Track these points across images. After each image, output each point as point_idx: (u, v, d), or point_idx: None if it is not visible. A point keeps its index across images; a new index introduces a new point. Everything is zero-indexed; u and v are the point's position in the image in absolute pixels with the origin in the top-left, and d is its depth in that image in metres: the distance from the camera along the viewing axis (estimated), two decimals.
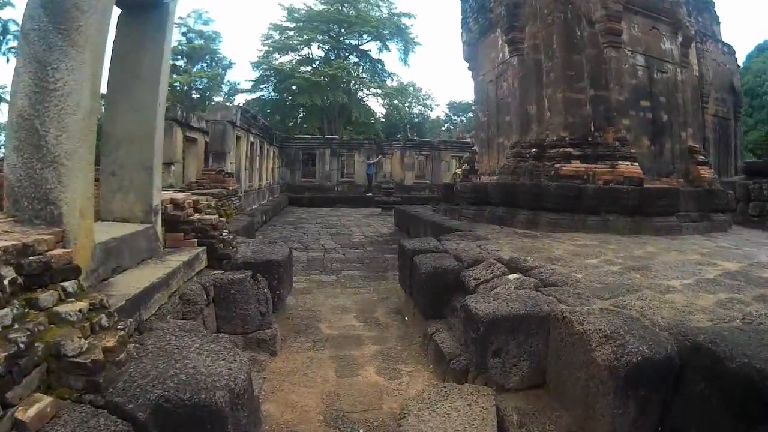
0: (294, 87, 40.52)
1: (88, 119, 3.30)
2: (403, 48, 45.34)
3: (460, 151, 31.04)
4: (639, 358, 2.82)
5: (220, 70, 47.90)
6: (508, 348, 3.67)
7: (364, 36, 44.27)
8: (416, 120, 56.67)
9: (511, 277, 5.04)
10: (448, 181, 21.20)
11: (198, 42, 45.85)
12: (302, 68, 42.16)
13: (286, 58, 43.87)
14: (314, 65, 43.10)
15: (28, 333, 2.17)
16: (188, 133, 15.61)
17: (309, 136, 34.95)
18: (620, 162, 9.21)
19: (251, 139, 19.98)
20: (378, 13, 43.82)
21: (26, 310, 2.33)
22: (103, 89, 4.82)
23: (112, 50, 4.79)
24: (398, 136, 37.90)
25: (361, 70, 46.24)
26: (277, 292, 5.71)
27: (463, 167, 14.52)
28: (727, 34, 19.38)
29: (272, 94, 43.96)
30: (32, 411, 2.02)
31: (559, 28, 9.81)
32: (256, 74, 43.65)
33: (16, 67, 3.15)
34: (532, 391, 3.70)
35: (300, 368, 4.77)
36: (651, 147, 10.47)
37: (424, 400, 3.23)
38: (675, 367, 2.96)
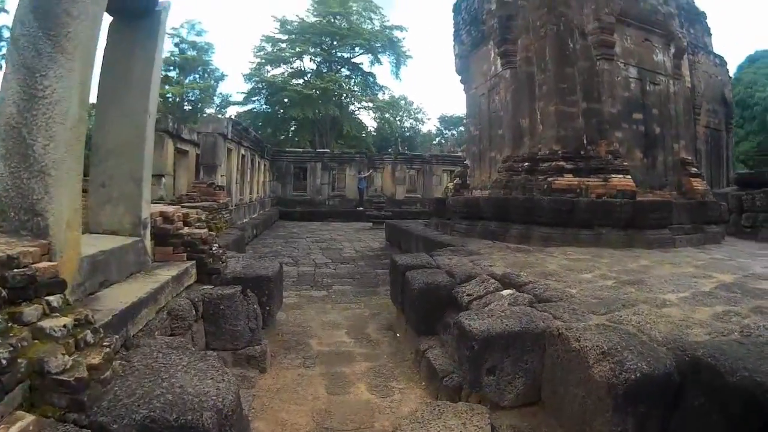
0: (286, 100, 40.70)
1: (77, 128, 3.23)
2: (394, 61, 45.71)
3: (452, 165, 31.11)
4: (638, 375, 2.76)
5: (213, 81, 48.00)
6: (503, 365, 3.59)
7: (356, 49, 44.51)
8: (407, 134, 56.91)
9: (505, 292, 4.97)
10: (439, 195, 21.23)
11: (191, 53, 46.02)
12: (294, 81, 42.41)
13: (278, 71, 44.14)
14: (306, 78, 43.32)
15: (11, 349, 2.09)
16: (179, 145, 15.53)
17: (300, 150, 35.06)
18: (613, 175, 9.20)
19: (242, 151, 19.94)
20: (370, 26, 44.19)
21: (9, 325, 2.25)
22: (93, 98, 4.79)
23: (103, 58, 4.73)
24: (389, 150, 38.03)
25: (352, 83, 46.43)
26: (267, 308, 5.62)
27: (454, 181, 14.49)
28: (718, 46, 19.60)
29: (264, 106, 44.05)
30: (14, 429, 1.94)
31: (552, 40, 9.82)
32: (248, 86, 43.89)
33: (5, 73, 3.09)
34: (528, 408, 3.63)
35: (290, 385, 4.69)
36: (644, 159, 10.48)
37: (417, 419, 3.16)
38: (674, 383, 2.90)
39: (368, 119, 48.87)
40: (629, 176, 9.39)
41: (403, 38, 45.18)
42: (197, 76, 47.13)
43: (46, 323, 2.38)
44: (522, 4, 10.59)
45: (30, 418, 2.05)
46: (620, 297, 4.67)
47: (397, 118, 53.15)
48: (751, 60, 37.84)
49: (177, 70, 45.62)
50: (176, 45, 45.56)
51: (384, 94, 48.33)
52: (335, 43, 43.26)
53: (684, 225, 9.73)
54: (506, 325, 3.69)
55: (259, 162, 24.36)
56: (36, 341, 2.30)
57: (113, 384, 2.42)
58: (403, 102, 54.66)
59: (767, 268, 6.52)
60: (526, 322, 3.76)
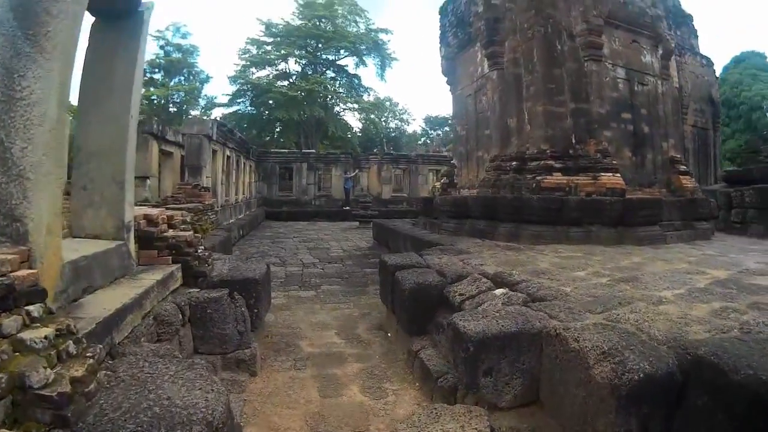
0: (271, 101, 40.71)
1: (56, 130, 3.11)
2: (379, 63, 45.89)
3: (438, 165, 31.24)
4: (641, 376, 2.71)
5: (198, 83, 47.72)
6: (500, 367, 3.53)
7: (341, 51, 44.60)
8: (393, 134, 56.97)
9: (498, 292, 4.91)
10: (425, 194, 21.22)
11: (176, 55, 45.77)
12: (279, 83, 42.47)
13: (263, 73, 44.15)
14: (291, 80, 43.31)
15: None
16: (164, 147, 15.39)
17: (286, 150, 35.03)
18: (602, 173, 9.22)
19: (228, 153, 19.79)
20: (355, 29, 44.26)
21: None
22: (75, 100, 4.68)
23: (84, 59, 4.62)
24: (375, 150, 37.96)
25: (337, 85, 46.53)
26: (255, 310, 5.50)
27: (441, 181, 14.45)
28: (704, 47, 19.83)
29: (249, 108, 43.97)
30: None
31: (540, 42, 9.82)
32: (233, 88, 43.83)
33: None
34: (526, 408, 3.57)
35: (282, 389, 4.60)
36: (633, 158, 10.52)
37: (414, 423, 3.07)
38: (677, 382, 2.85)
39: (353, 120, 49.08)
40: (618, 174, 9.41)
41: (389, 41, 45.43)
42: (182, 78, 46.88)
43: (26, 335, 2.27)
44: (509, 6, 10.59)
45: None
46: (616, 295, 4.61)
47: (382, 119, 53.30)
48: (737, 61, 38.58)
49: (162, 72, 45.44)
50: (161, 47, 45.38)
51: (369, 95, 48.54)
52: (320, 45, 43.27)
53: (674, 222, 9.76)
54: (502, 325, 3.63)
55: (244, 163, 24.22)
56: (17, 354, 2.19)
57: (98, 397, 2.31)
58: (388, 103, 54.91)
59: (760, 264, 6.53)
60: (522, 322, 3.69)
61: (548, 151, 9.58)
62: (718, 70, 22.66)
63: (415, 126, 68.06)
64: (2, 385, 2.02)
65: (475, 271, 5.78)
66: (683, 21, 16.21)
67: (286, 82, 42.85)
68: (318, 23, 42.43)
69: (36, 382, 2.10)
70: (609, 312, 3.99)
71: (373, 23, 45.76)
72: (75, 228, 4.53)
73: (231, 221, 17.88)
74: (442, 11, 14.08)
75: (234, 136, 20.82)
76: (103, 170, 4.53)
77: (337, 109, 45.88)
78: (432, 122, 63.00)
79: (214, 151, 17.42)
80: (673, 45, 11.46)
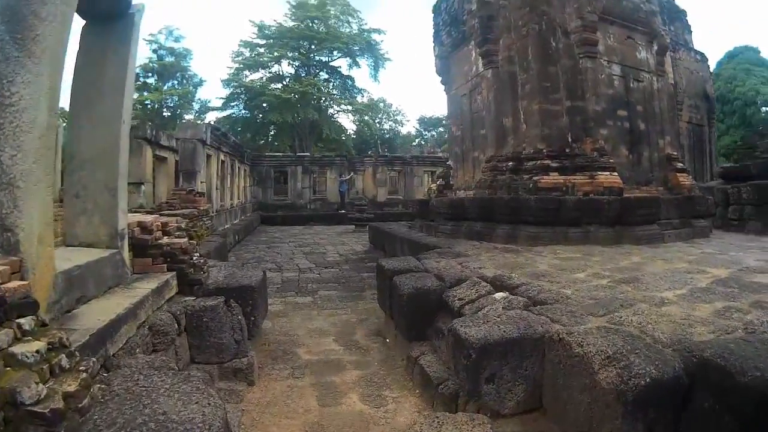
0: (264, 104, 40.71)
1: (46, 137, 3.04)
2: (373, 64, 45.94)
3: (433, 166, 31.24)
4: (647, 380, 2.66)
5: (191, 87, 47.83)
6: (502, 373, 3.47)
7: (335, 52, 44.69)
8: (387, 136, 56.97)
9: (498, 296, 4.86)
10: (421, 196, 21.18)
11: (169, 59, 45.91)
12: (273, 85, 42.44)
13: (256, 76, 44.17)
14: (285, 82, 43.34)
15: None
16: (158, 152, 15.29)
17: (280, 154, 34.97)
18: (599, 172, 9.19)
19: (222, 157, 19.70)
20: (348, 30, 44.30)
21: None
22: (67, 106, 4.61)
23: (75, 64, 4.54)
24: (370, 152, 38.00)
25: (331, 87, 46.58)
26: (252, 318, 5.45)
27: (437, 182, 14.40)
28: (698, 43, 19.97)
29: (243, 111, 44.01)
30: None
31: (534, 39, 9.77)
32: (226, 92, 43.79)
33: None
34: (529, 415, 3.52)
35: (280, 398, 4.53)
36: (629, 156, 10.50)
37: None
38: (683, 385, 2.81)
39: (347, 122, 49.01)
40: (616, 173, 9.38)
41: (382, 41, 45.50)
42: (176, 82, 47.00)
43: (17, 348, 2.20)
44: (503, 3, 10.54)
45: None
46: (617, 297, 4.57)
47: (376, 121, 53.33)
48: (730, 56, 38.65)
49: (155, 77, 45.55)
50: (154, 51, 45.56)
51: (363, 96, 48.63)
52: (313, 47, 43.30)
53: (672, 220, 9.75)
54: (504, 331, 3.57)
55: (239, 167, 24.14)
56: (8, 369, 2.12)
57: (92, 412, 2.23)
58: (381, 104, 54.94)
59: (760, 261, 6.50)
60: (524, 327, 3.64)
61: (545, 151, 9.54)
62: (712, 66, 22.74)
63: (409, 127, 68.00)
64: None
65: (474, 275, 5.73)
66: (677, 16, 16.29)
67: (279, 85, 42.83)
68: (311, 24, 42.46)
69: (28, 398, 2.03)
70: (611, 314, 3.95)
71: (366, 23, 45.98)
72: (68, 236, 4.45)
73: (226, 226, 17.81)
74: (436, 10, 14.03)
75: (228, 140, 20.75)
76: (96, 177, 4.45)
77: (331, 111, 45.92)
78: (426, 123, 63.04)
79: (209, 156, 17.34)
80: (668, 41, 11.47)
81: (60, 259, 3.50)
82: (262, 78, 43.85)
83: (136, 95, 40.70)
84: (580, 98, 9.70)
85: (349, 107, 46.41)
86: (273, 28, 42.48)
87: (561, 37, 9.77)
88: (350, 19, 44.55)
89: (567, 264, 6.54)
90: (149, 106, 43.03)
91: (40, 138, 2.98)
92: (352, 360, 5.59)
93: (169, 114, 44.57)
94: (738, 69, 36.41)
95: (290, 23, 42.50)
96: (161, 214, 8.16)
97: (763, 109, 35.38)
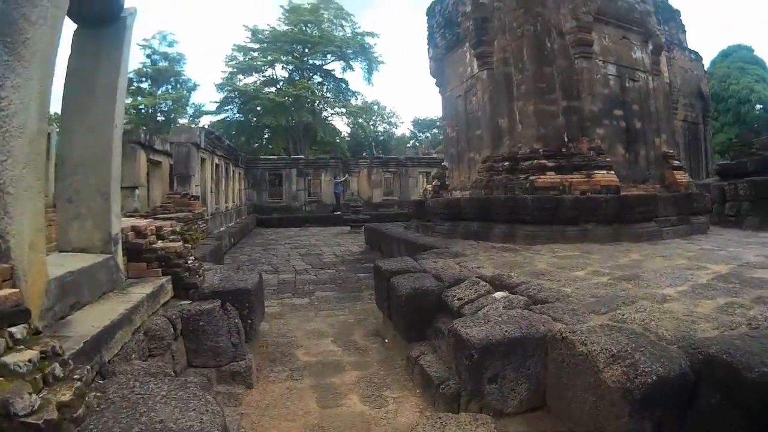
0: (258, 108, 40.68)
1: (36, 142, 2.98)
2: (366, 67, 45.98)
3: (428, 167, 31.27)
4: (654, 378, 2.63)
5: (185, 92, 47.82)
6: (505, 373, 3.43)
7: (328, 56, 44.76)
8: (381, 138, 57.13)
9: (498, 295, 4.82)
10: (416, 197, 21.15)
11: (162, 64, 46.00)
12: (266, 89, 42.51)
13: (250, 79, 44.18)
14: (278, 86, 43.36)
15: None
16: (152, 156, 15.23)
17: (275, 157, 34.99)
18: (596, 171, 9.18)
19: (216, 160, 19.64)
20: (341, 33, 44.36)
21: None
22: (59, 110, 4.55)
23: (67, 68, 4.49)
24: (364, 154, 37.98)
25: (325, 90, 46.63)
26: (249, 321, 5.39)
27: (433, 183, 14.37)
28: (692, 42, 20.10)
29: (237, 115, 43.99)
30: None
31: (529, 40, 9.77)
32: (220, 96, 43.84)
33: None
34: (532, 414, 3.48)
35: (279, 400, 4.47)
36: (626, 155, 10.51)
37: None
38: (690, 382, 2.79)
39: (342, 125, 49.04)
40: (612, 172, 9.39)
41: (375, 44, 45.37)
42: (169, 86, 47.01)
43: (9, 358, 2.14)
44: (497, 5, 10.54)
45: None
46: (618, 294, 4.54)
47: (370, 123, 53.45)
48: (724, 55, 38.85)
49: (149, 81, 45.62)
50: (148, 56, 45.62)
51: (357, 99, 48.70)
52: (307, 50, 43.33)
53: (670, 217, 9.76)
54: (505, 331, 3.53)
55: (233, 170, 24.08)
56: (0, 379, 2.06)
57: (88, 422, 2.17)
58: (376, 106, 55.14)
59: (759, 257, 6.50)
60: (526, 326, 3.60)
61: (541, 151, 9.53)
62: (706, 65, 22.84)
63: (403, 129, 68.28)
64: None
65: (472, 275, 5.70)
66: (671, 16, 16.37)
67: (273, 88, 42.84)
68: (304, 28, 42.42)
69: (21, 409, 1.96)
70: (613, 312, 3.91)
71: (359, 27, 45.92)
72: (61, 242, 4.40)
73: (222, 229, 17.74)
74: (429, 12, 14.00)
75: (222, 144, 20.70)
76: (89, 182, 4.40)
77: (325, 114, 45.89)
78: (420, 125, 63.23)
79: (203, 159, 17.28)
80: (663, 40, 11.51)
81: (53, 265, 3.45)
82: (255, 82, 43.90)
83: (129, 100, 40.80)
84: (576, 98, 9.70)
85: (343, 110, 46.37)
86: (266, 32, 42.50)
87: (556, 38, 9.76)
88: (343, 22, 44.61)
89: (566, 262, 6.51)
90: (143, 111, 43.04)
91: (30, 143, 2.92)
92: (351, 361, 5.54)
93: (164, 118, 44.59)
94: (732, 67, 36.65)
95: (284, 27, 42.49)
96: (156, 218, 8.10)
97: (758, 106, 35.64)
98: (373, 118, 55.28)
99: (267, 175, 31.38)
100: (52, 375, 2.24)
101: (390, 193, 32.77)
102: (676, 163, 11.28)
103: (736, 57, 37.67)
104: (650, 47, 11.11)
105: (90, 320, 3.31)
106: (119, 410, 2.31)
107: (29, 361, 2.16)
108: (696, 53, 19.21)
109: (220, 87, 43.04)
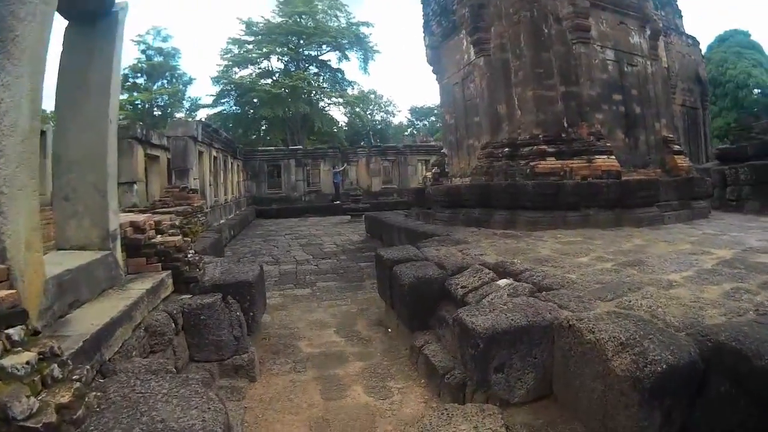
0: (255, 100, 40.62)
1: (29, 140, 2.92)
2: (362, 57, 45.80)
3: (426, 155, 31.19)
4: (664, 367, 2.59)
5: (181, 86, 47.90)
6: (512, 362, 3.40)
7: (323, 46, 44.51)
8: (379, 126, 57.06)
9: (502, 282, 4.79)
10: (416, 185, 21.09)
11: (157, 59, 45.97)
12: (262, 81, 42.40)
13: (246, 72, 44.00)
14: (274, 77, 43.21)
15: None
16: (150, 151, 15.14)
17: (273, 148, 34.97)
18: (597, 156, 9.12)
19: (214, 153, 19.56)
20: (336, 24, 44.12)
21: None
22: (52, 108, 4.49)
23: (59, 65, 4.43)
24: (362, 143, 37.88)
25: (321, 80, 46.42)
26: (251, 313, 5.35)
27: (432, 170, 14.29)
28: (688, 27, 20.04)
29: (234, 108, 43.80)
30: None
31: (526, 26, 9.70)
32: (216, 89, 43.50)
33: None
34: (539, 403, 3.45)
35: (283, 393, 4.45)
36: (626, 140, 10.45)
37: (426, 427, 2.94)
38: (699, 371, 2.75)
39: (339, 114, 48.94)
40: (613, 157, 9.33)
41: (370, 34, 45.32)
42: (165, 81, 47.04)
43: (7, 361, 2.10)
44: None
45: None
46: (624, 280, 4.50)
47: (367, 112, 53.36)
48: (721, 40, 38.64)
49: (144, 77, 45.60)
50: (142, 51, 45.55)
51: (353, 89, 48.51)
52: (302, 41, 43.09)
53: (671, 202, 9.69)
54: (512, 319, 3.49)
55: (231, 162, 24.00)
56: None
57: (88, 423, 2.13)
58: (372, 96, 55.13)
59: (762, 241, 6.46)
60: (532, 314, 3.56)
61: (540, 136, 9.46)
62: (703, 50, 22.78)
63: (400, 117, 68.06)
64: None
65: (475, 262, 5.66)
66: (667, 1, 16.32)
67: (269, 80, 42.68)
68: (298, 19, 42.13)
69: (19, 413, 1.93)
70: (620, 299, 3.88)
71: (354, 17, 45.71)
72: (59, 240, 4.36)
73: (221, 222, 17.68)
74: (425, 0, 13.88)
75: (220, 136, 20.61)
76: (85, 178, 4.35)
77: (322, 104, 45.65)
78: (417, 113, 63.16)
79: (201, 152, 17.20)
80: (660, 25, 11.43)
81: (51, 263, 3.41)
82: (251, 74, 43.69)
83: (126, 96, 40.79)
84: (574, 83, 9.62)
85: (340, 100, 46.19)
86: (261, 24, 42.21)
87: (553, 24, 9.67)
88: (338, 13, 44.32)
89: (569, 248, 6.47)
90: (140, 107, 43.08)
91: (22, 142, 2.87)
92: (355, 351, 5.53)
93: (160, 113, 44.51)
94: (729, 52, 36.45)
95: (278, 19, 42.20)
96: (154, 213, 8.07)
97: (755, 91, 35.41)
98: (370, 107, 55.27)
99: (265, 167, 31.33)
100: (50, 376, 2.20)
101: (389, 181, 32.69)
102: (676, 147, 11.21)
103: (733, 42, 37.47)
104: (648, 32, 11.02)
105: (89, 318, 3.27)
106: (120, 410, 2.27)
107: (27, 363, 2.12)
108: (693, 38, 19.16)
109: (216, 80, 42.84)
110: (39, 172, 3.21)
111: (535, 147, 9.37)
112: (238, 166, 26.28)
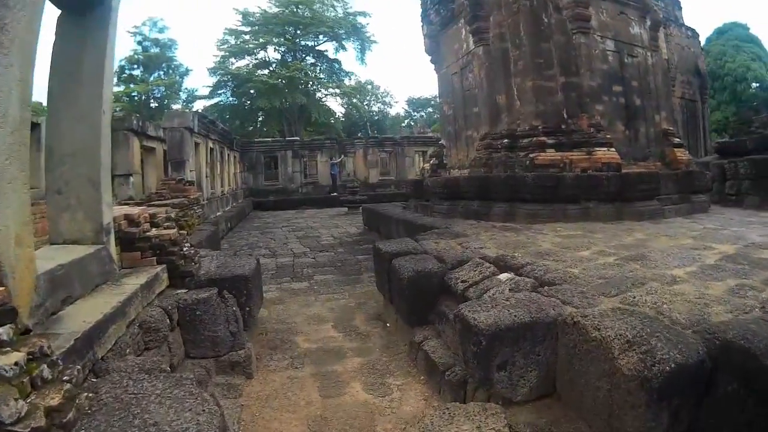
0: (252, 91, 40.58)
1: (19, 132, 2.83)
2: (359, 47, 45.87)
3: (424, 146, 31.14)
4: (672, 366, 2.51)
5: (177, 77, 47.87)
6: (515, 360, 3.32)
7: (320, 37, 44.47)
8: (376, 117, 57.00)
9: (503, 277, 4.72)
10: (413, 176, 21.06)
11: (154, 50, 46.12)
12: (259, 72, 42.41)
13: (242, 63, 44.00)
14: (271, 68, 43.20)
15: None
16: (146, 143, 15.04)
17: (270, 139, 34.90)
18: (596, 148, 9.06)
19: (210, 145, 19.45)
20: (333, 14, 44.07)
21: None
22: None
23: (52, 55, 4.31)
24: (359, 134, 37.83)
25: (318, 71, 46.43)
26: (247, 308, 5.25)
27: (430, 162, 14.22)
28: (687, 19, 19.97)
29: (230, 99, 43.83)
30: None
31: (526, 16, 9.61)
32: (213, 80, 43.60)
33: None
34: (542, 401, 3.37)
35: (280, 390, 4.38)
36: (626, 132, 10.39)
37: (427, 427, 2.86)
38: (707, 370, 2.68)
39: (336, 105, 48.94)
40: (613, 149, 9.28)
41: (367, 24, 45.17)
42: (162, 72, 47.07)
43: None
44: None
45: None
46: (627, 275, 4.43)
47: (364, 103, 53.33)
48: (720, 32, 38.60)
49: (141, 68, 45.66)
50: (139, 43, 45.69)
51: (350, 79, 48.56)
52: (299, 32, 43.00)
53: (671, 195, 9.65)
54: (515, 315, 3.40)
55: (228, 154, 23.89)
56: None
57: (78, 426, 2.05)
58: (369, 86, 55.17)
59: (764, 237, 6.41)
60: (536, 310, 3.47)
61: (540, 127, 9.39)
62: (702, 42, 22.73)
63: (398, 108, 68.01)
64: None
65: (475, 256, 5.58)
66: None
67: (266, 71, 42.64)
68: (295, 9, 41.95)
69: (7, 417, 1.84)
70: (624, 294, 3.81)
71: (351, 7, 45.65)
72: (52, 234, 4.26)
73: (218, 214, 17.61)
74: None
75: (216, 128, 20.49)
76: (78, 171, 4.25)
77: (318, 95, 45.60)
78: (415, 104, 63.07)
79: (197, 144, 17.10)
80: (660, 16, 11.36)
81: (43, 258, 3.33)
82: (248, 65, 43.66)
83: (122, 87, 40.76)
84: (574, 74, 9.55)
85: (337, 90, 46.18)
86: (257, 14, 42.09)
87: (553, 13, 9.58)
88: (335, 3, 44.26)
89: (570, 242, 6.41)
90: (136, 98, 43.00)
91: (12, 133, 2.77)
92: (353, 347, 5.46)
93: (157, 105, 44.55)
94: (727, 45, 36.45)
95: (274, 9, 42.05)
96: (150, 205, 7.99)
97: (754, 85, 35.44)
98: (368, 98, 55.26)
99: (262, 158, 31.21)
100: (40, 377, 2.12)
101: (386, 173, 32.59)
102: (676, 140, 11.16)
103: (732, 35, 37.43)
104: (648, 23, 10.95)
105: (82, 315, 3.18)
106: (111, 412, 2.18)
107: (15, 364, 2.04)
108: (693, 30, 19.13)
109: (212, 71, 42.84)
110: (31, 165, 3.12)
111: (535, 138, 9.30)
112: (234, 157, 26.16)
